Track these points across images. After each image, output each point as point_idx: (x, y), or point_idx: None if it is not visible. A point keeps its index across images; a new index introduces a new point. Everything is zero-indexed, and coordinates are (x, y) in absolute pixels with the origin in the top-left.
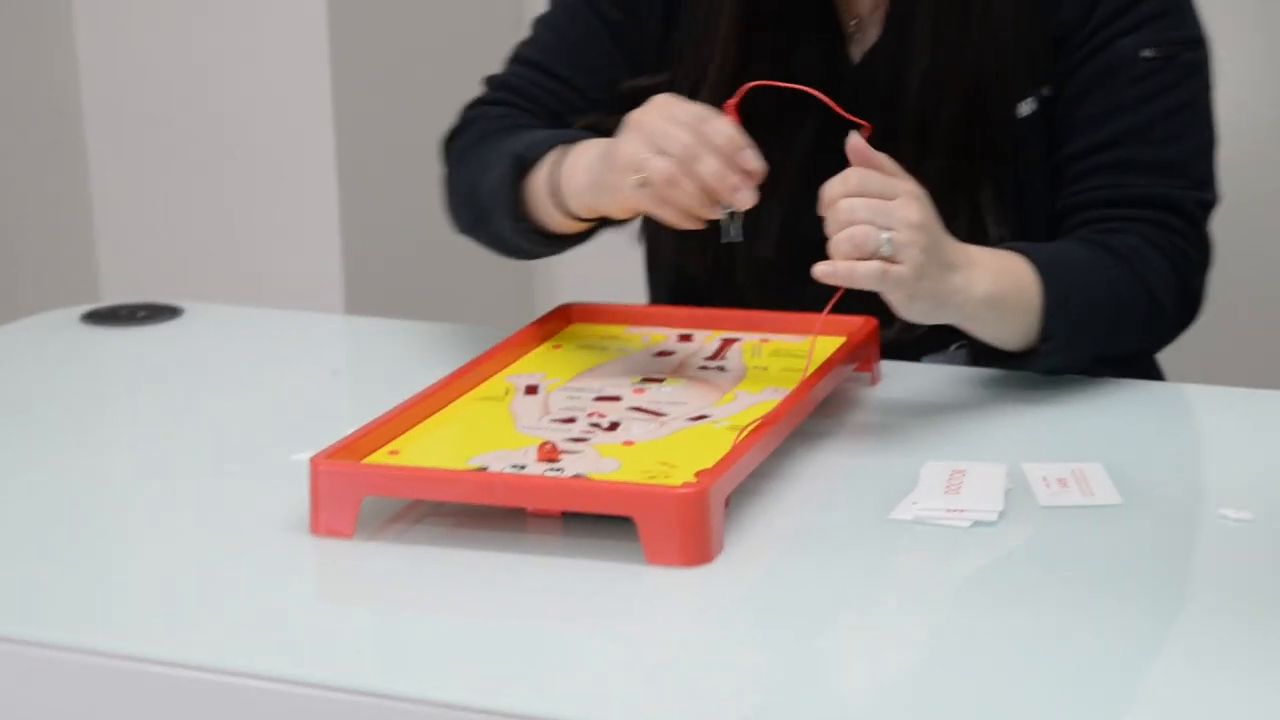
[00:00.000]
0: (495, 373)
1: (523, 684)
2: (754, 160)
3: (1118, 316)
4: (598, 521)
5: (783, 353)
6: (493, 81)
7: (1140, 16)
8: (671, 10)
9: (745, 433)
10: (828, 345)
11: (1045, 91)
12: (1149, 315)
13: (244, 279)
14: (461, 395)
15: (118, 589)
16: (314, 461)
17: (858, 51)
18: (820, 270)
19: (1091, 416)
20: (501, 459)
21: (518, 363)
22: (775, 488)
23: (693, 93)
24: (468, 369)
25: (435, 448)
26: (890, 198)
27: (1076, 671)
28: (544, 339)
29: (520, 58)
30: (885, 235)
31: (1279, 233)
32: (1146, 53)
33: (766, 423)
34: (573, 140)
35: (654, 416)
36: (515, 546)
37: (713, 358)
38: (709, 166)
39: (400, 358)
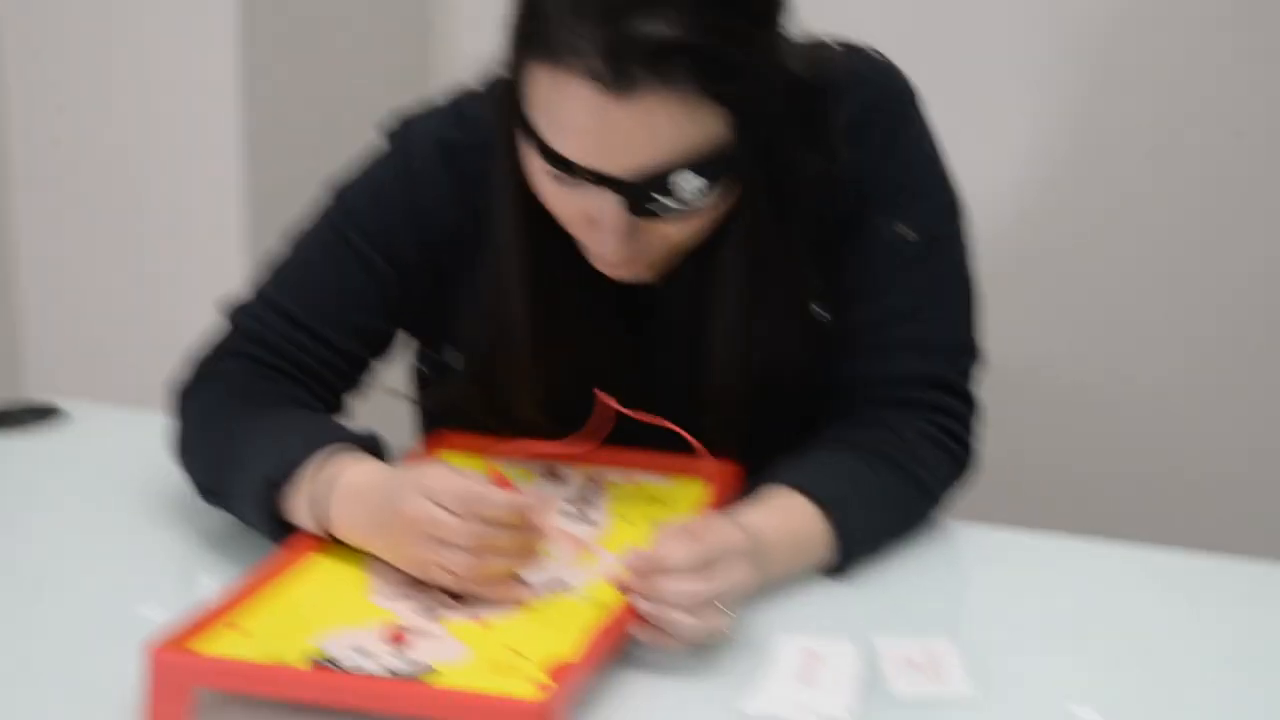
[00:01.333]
0: None
1: None
2: (540, 512)
3: (902, 519)
4: None
5: (646, 498)
6: (240, 326)
7: (896, 196)
8: (437, 271)
9: (599, 628)
10: (687, 492)
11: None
12: (926, 502)
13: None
14: (321, 549)
15: None
16: (151, 650)
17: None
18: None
19: (938, 573)
20: (347, 640)
21: None
22: (618, 678)
23: (485, 364)
24: None
25: (280, 621)
26: (725, 565)
27: None
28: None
29: (272, 303)
30: (728, 615)
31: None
32: (903, 231)
33: (618, 626)
34: (322, 439)
35: None
36: None
37: (576, 502)
38: (505, 543)
39: None
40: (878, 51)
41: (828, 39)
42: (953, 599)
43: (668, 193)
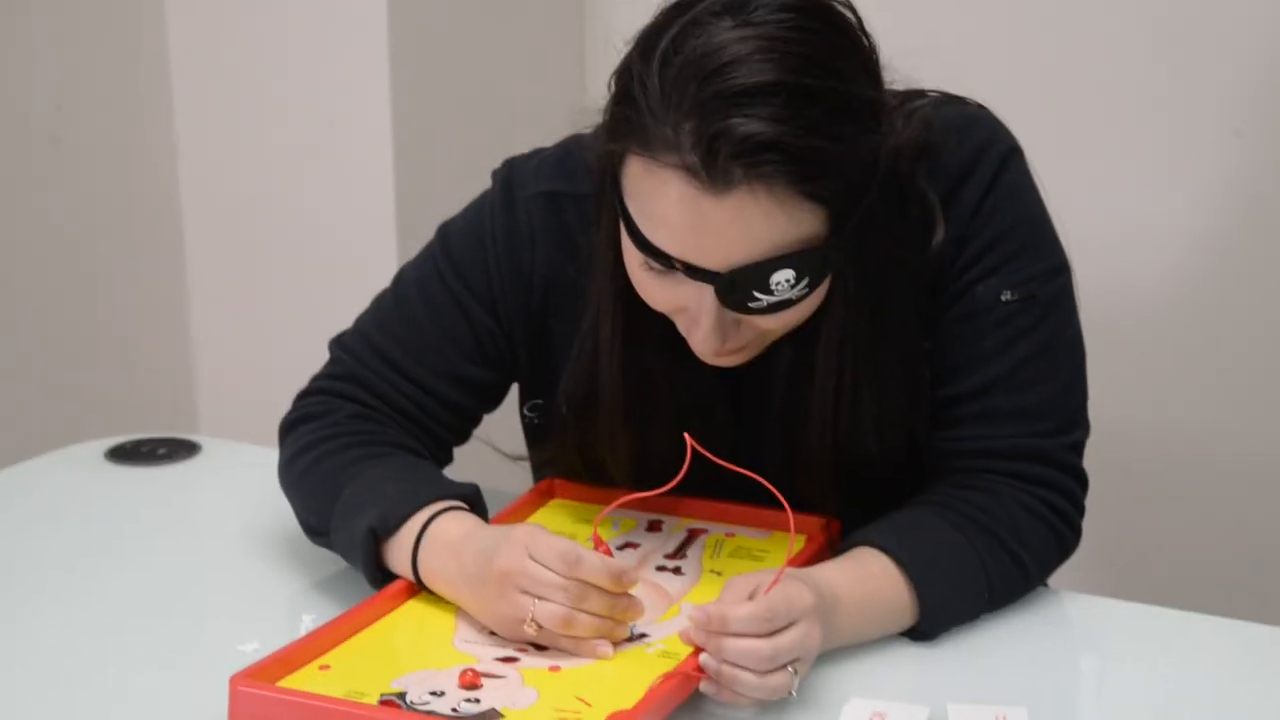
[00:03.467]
0: None
1: None
2: (634, 577)
3: (991, 590)
4: None
5: (742, 552)
6: (340, 364)
7: (997, 259)
8: (539, 322)
9: (661, 679)
10: (784, 548)
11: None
12: (1021, 577)
13: None
14: (417, 595)
15: None
16: (232, 681)
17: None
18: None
19: (1026, 640)
20: (423, 682)
21: None
22: None
23: (579, 421)
24: None
25: (366, 662)
26: (791, 624)
27: None
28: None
29: (374, 346)
30: (794, 673)
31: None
32: (1005, 295)
33: (680, 674)
34: (427, 496)
35: None
36: None
37: (673, 555)
38: (597, 605)
39: None
40: (976, 103)
41: (924, 89)
42: (1038, 668)
43: (764, 288)
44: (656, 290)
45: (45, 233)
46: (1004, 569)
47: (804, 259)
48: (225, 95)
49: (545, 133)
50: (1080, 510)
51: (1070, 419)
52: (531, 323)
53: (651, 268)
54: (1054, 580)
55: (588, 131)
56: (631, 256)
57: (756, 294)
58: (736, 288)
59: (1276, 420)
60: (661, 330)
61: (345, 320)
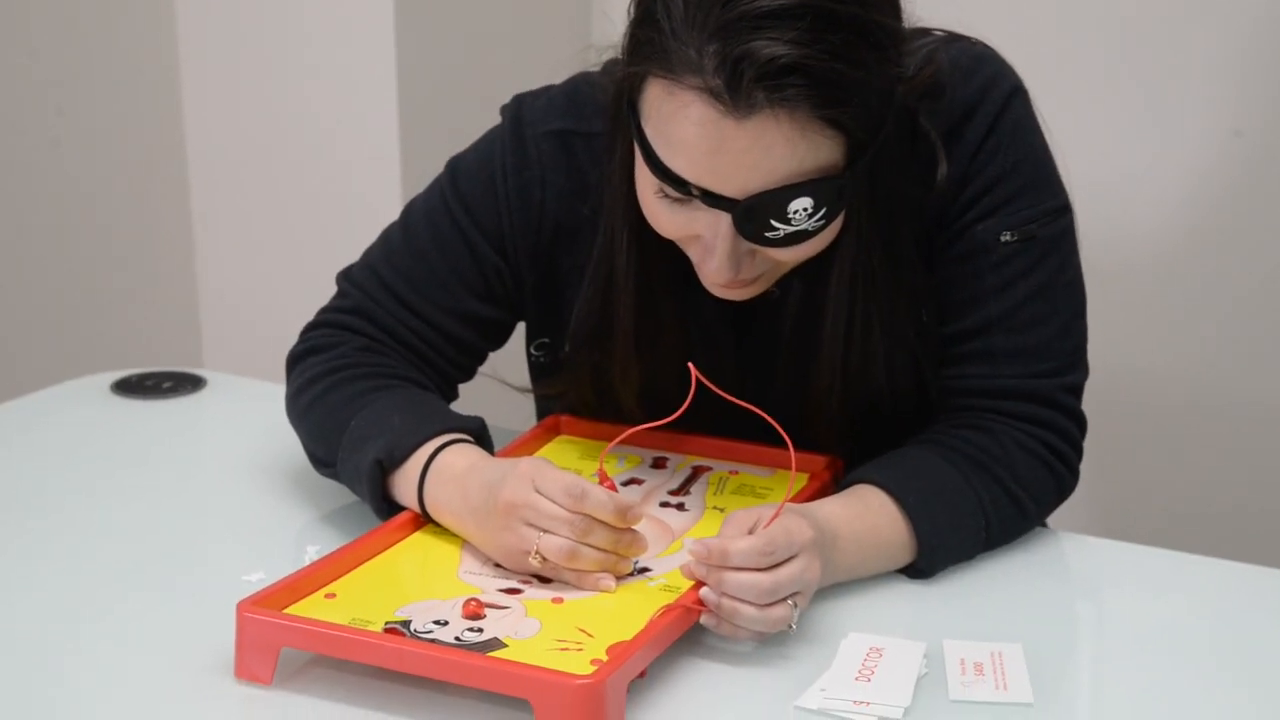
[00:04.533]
0: None
1: None
2: (639, 513)
3: (989, 528)
4: None
5: (746, 490)
6: (348, 297)
7: (997, 200)
8: (548, 260)
9: (661, 611)
10: (787, 486)
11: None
12: (1018, 517)
13: None
14: (422, 527)
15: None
16: (239, 607)
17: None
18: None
19: (1015, 586)
20: (427, 611)
21: None
22: (686, 663)
23: (590, 355)
24: None
25: (372, 592)
26: (791, 558)
27: None
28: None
29: (382, 280)
30: (793, 606)
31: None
32: (1005, 236)
33: (682, 606)
34: (433, 428)
35: None
36: (427, 706)
37: (677, 491)
38: (601, 539)
39: None
40: (981, 42)
41: (931, 28)
42: (1034, 606)
43: (781, 217)
44: (670, 219)
45: (52, 168)
46: (1001, 508)
47: (821, 188)
48: (229, 23)
49: (550, 70)
50: (1078, 451)
51: (1069, 360)
52: (540, 262)
53: (667, 195)
54: (1052, 521)
55: (595, 69)
56: (646, 184)
57: (774, 223)
58: (754, 216)
59: (1273, 367)
60: (673, 264)
61: (347, 256)
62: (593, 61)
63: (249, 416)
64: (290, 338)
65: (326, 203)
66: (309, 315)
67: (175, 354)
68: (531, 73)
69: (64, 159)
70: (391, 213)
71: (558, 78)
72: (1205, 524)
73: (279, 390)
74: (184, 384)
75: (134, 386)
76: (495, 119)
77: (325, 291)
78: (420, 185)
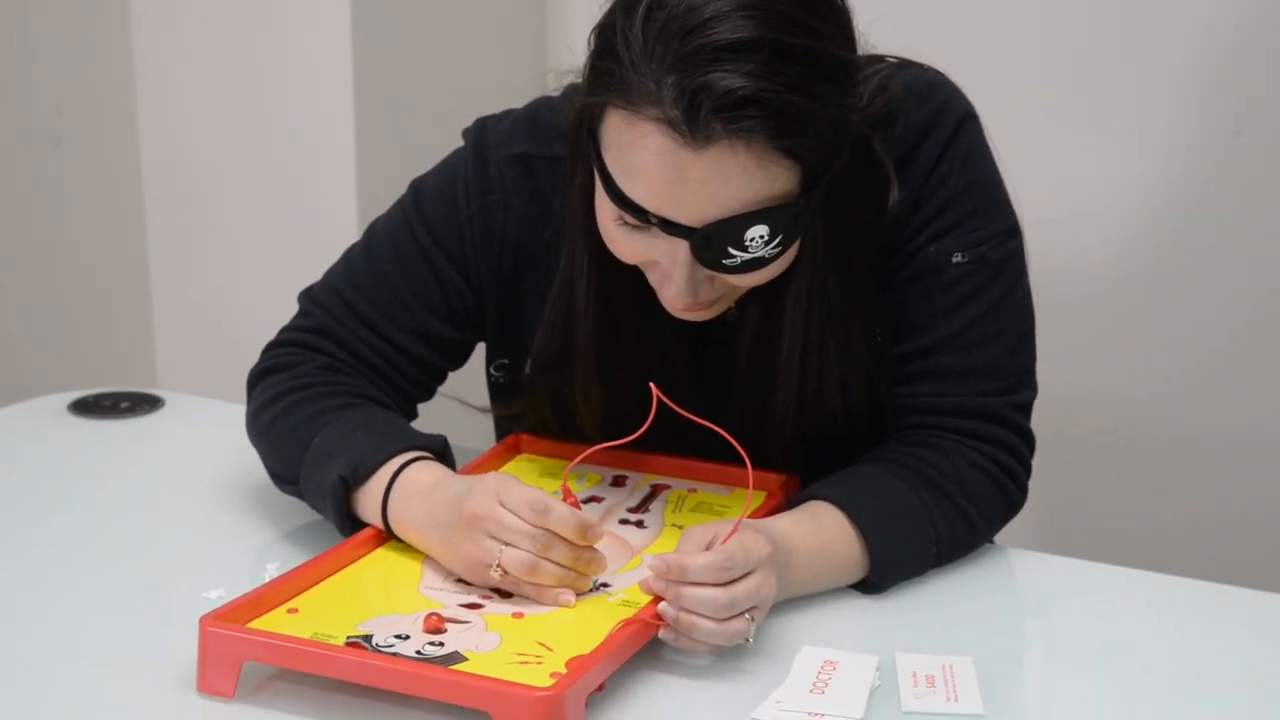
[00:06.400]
0: None
1: None
2: (599, 532)
3: (939, 544)
4: None
5: (704, 507)
6: (310, 316)
7: (949, 221)
8: (509, 282)
9: (619, 625)
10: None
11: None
12: (968, 533)
13: None
14: (384, 543)
15: None
16: (202, 621)
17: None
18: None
19: (966, 600)
20: (389, 626)
21: None
22: (644, 676)
23: (551, 377)
24: None
25: (334, 607)
26: (748, 573)
27: None
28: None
29: (344, 299)
30: (750, 620)
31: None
32: (957, 257)
33: (640, 620)
34: (395, 446)
35: None
36: (389, 719)
37: (636, 509)
38: (562, 554)
39: None
40: (933, 69)
41: (883, 55)
42: (984, 621)
43: (738, 244)
44: (629, 245)
45: (3, 188)
46: (952, 525)
47: (777, 216)
48: (183, 47)
49: (506, 89)
50: (1027, 469)
51: (1018, 379)
52: (501, 284)
53: (626, 222)
54: (1000, 537)
55: (555, 94)
56: (605, 211)
57: (731, 250)
58: (711, 244)
59: (1217, 395)
60: (633, 288)
61: (303, 277)
62: (552, 86)
63: (207, 436)
64: (245, 357)
65: (282, 223)
66: (264, 335)
67: (130, 374)
68: (487, 94)
69: (17, 182)
70: (348, 233)
71: (514, 98)
72: (1151, 540)
73: (237, 410)
74: (141, 404)
75: (91, 407)
76: (451, 139)
77: (281, 311)
78: (377, 205)
